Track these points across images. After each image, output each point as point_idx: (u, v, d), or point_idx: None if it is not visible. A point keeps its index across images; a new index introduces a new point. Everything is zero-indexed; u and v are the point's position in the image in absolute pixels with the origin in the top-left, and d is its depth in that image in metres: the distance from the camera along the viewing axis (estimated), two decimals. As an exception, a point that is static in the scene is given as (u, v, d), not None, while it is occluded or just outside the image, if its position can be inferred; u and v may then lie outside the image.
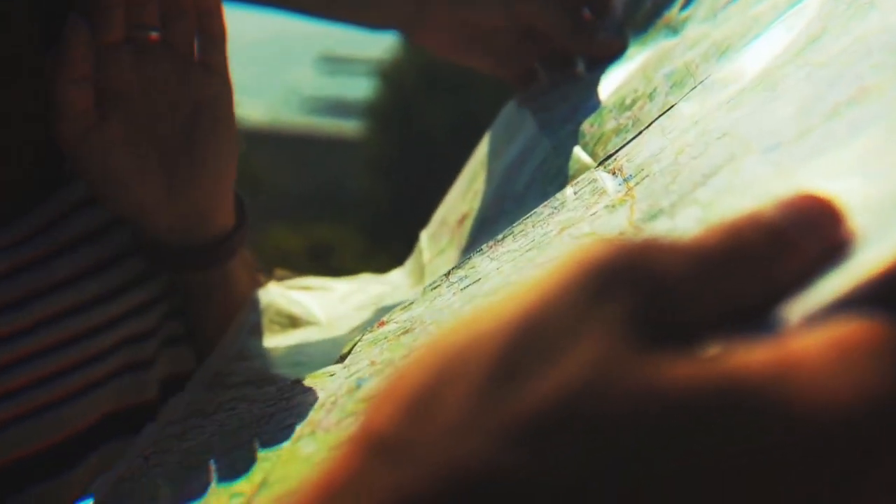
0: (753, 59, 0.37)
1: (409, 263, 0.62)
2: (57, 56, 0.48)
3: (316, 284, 0.61)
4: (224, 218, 0.53)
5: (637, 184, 0.35)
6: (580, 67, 0.58)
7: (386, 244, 6.68)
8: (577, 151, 0.46)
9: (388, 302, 0.53)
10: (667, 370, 0.18)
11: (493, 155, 0.60)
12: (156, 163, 0.51)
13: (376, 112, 9.05)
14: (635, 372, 0.18)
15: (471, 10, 0.59)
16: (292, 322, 0.54)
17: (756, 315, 0.20)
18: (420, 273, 0.57)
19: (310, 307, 0.56)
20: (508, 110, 0.62)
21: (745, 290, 0.20)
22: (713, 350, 0.19)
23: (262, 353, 0.50)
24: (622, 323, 0.19)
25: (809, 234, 0.20)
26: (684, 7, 0.50)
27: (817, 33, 0.34)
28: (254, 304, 0.55)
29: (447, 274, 0.39)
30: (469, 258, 0.40)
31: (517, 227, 0.39)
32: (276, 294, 0.58)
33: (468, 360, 0.19)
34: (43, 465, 0.49)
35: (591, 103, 0.50)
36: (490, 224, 0.51)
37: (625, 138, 0.42)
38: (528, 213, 0.40)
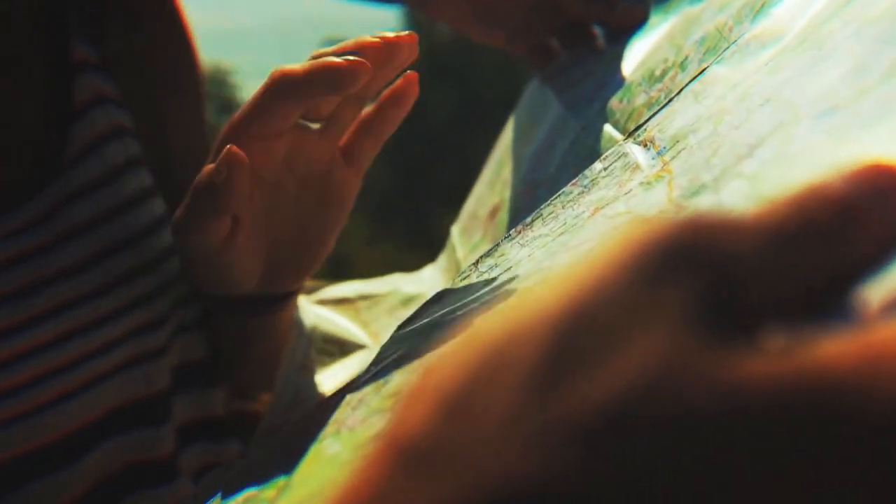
0: (791, 14, 0.35)
1: (442, 259, 0.59)
2: (207, 183, 0.41)
3: (350, 293, 0.58)
4: (302, 281, 0.51)
5: (673, 157, 0.32)
6: (600, 41, 0.55)
7: (391, 229, 6.65)
8: (609, 130, 0.43)
9: None
10: (741, 365, 0.16)
11: (518, 140, 0.57)
12: (265, 250, 0.48)
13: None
14: (705, 367, 0.16)
15: None
16: (341, 348, 0.52)
17: (828, 298, 0.18)
18: (455, 270, 0.54)
19: (350, 327, 0.53)
20: (531, 92, 0.59)
21: (815, 270, 0.18)
22: (786, 340, 0.16)
23: (318, 395, 0.48)
24: (686, 309, 0.16)
25: (881, 207, 0.18)
26: None
27: None
28: (300, 336, 0.52)
29: (476, 263, 0.37)
30: (498, 245, 0.37)
31: (546, 210, 0.37)
32: (316, 316, 0.55)
33: (512, 353, 0.17)
34: (48, 460, 0.47)
35: (617, 78, 0.47)
36: (523, 214, 0.49)
37: None
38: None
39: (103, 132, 0.52)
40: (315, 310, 0.56)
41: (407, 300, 0.55)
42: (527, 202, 0.50)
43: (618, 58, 0.50)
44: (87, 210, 0.50)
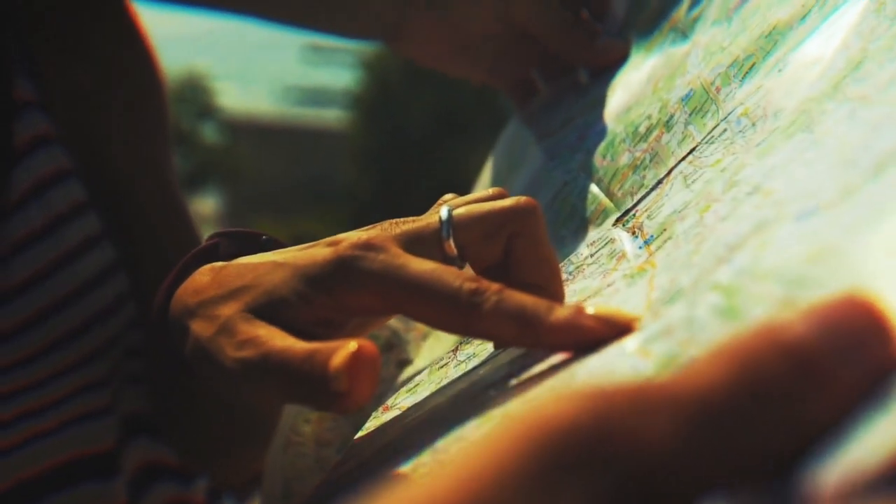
0: (786, 89, 0.32)
1: None
2: (319, 382, 0.28)
3: None
4: None
5: (658, 248, 0.30)
6: (582, 74, 0.53)
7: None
8: (592, 188, 0.41)
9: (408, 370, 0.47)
10: None
11: (497, 184, 0.55)
12: None
13: (360, 103, 9.04)
14: None
15: (458, 16, 0.53)
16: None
17: (771, 480, 0.15)
18: None
19: None
20: (510, 133, 0.57)
21: (760, 444, 0.15)
22: None
23: (305, 473, 0.45)
24: None
25: (846, 363, 0.15)
26: (693, 6, 0.45)
27: (857, 58, 0.29)
28: (287, 411, 0.48)
29: (455, 350, 0.35)
30: None
31: None
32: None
33: None
34: None
35: (598, 127, 0.45)
36: None
37: (643, 176, 0.37)
38: None
39: (46, 176, 0.49)
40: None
41: (385, 346, 0.52)
42: None
43: (599, 102, 0.47)
44: (32, 263, 0.48)
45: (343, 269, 0.29)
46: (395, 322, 0.45)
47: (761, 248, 0.23)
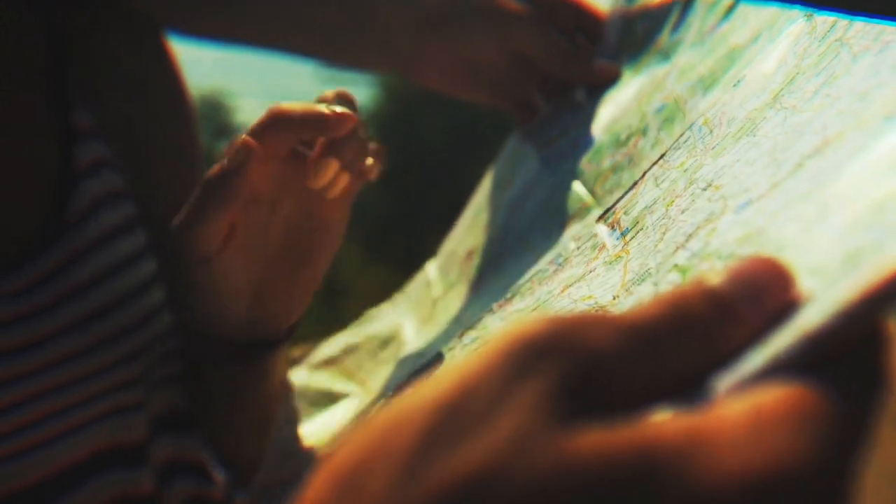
0: (739, 100, 0.37)
1: (414, 293, 0.61)
2: (219, 170, 0.44)
3: (335, 351, 0.60)
4: (292, 321, 0.51)
5: (632, 238, 0.35)
6: (580, 95, 0.58)
7: (384, 255, 6.64)
8: (577, 189, 0.46)
9: (409, 350, 0.52)
10: (578, 441, 0.18)
11: (497, 188, 0.59)
12: (257, 273, 0.48)
13: (376, 122, 9.03)
14: (548, 446, 0.18)
15: (464, 43, 0.58)
16: (330, 399, 0.53)
17: (690, 385, 0.20)
18: (430, 307, 0.56)
19: (336, 383, 0.54)
20: (513, 142, 0.62)
21: (683, 363, 0.20)
22: (632, 421, 0.19)
23: (304, 445, 0.50)
24: (544, 397, 0.19)
25: (754, 305, 0.21)
26: (674, 30, 0.50)
27: (792, 73, 0.34)
28: (289, 395, 0.53)
29: (461, 335, 0.40)
30: (481, 318, 0.40)
31: (524, 286, 0.40)
32: (307, 377, 0.56)
33: (395, 434, 0.19)
34: (29, 500, 0.50)
35: (588, 137, 0.50)
36: (494, 259, 0.51)
37: (621, 177, 0.42)
38: (530, 249, 0.40)
39: (101, 196, 0.55)
40: (304, 373, 0.58)
41: (384, 341, 0.57)
42: (497, 249, 0.52)
43: (591, 116, 0.53)
44: (84, 272, 0.53)
45: None
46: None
47: (709, 234, 0.29)
